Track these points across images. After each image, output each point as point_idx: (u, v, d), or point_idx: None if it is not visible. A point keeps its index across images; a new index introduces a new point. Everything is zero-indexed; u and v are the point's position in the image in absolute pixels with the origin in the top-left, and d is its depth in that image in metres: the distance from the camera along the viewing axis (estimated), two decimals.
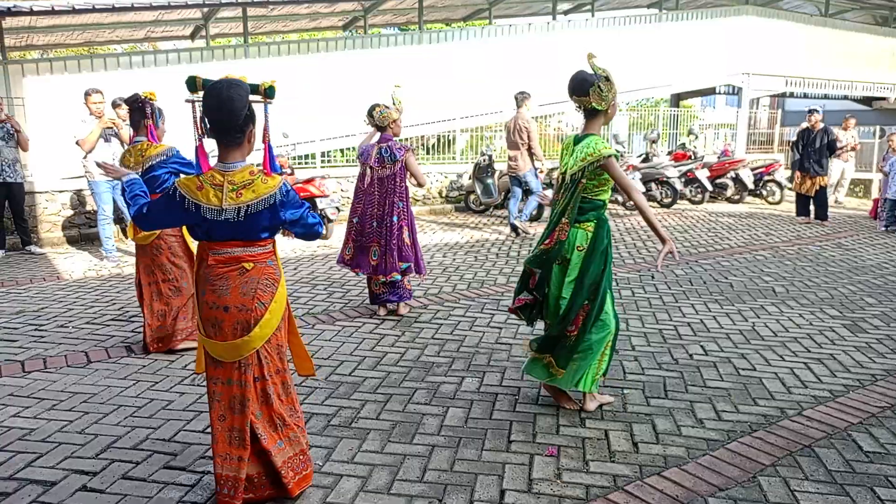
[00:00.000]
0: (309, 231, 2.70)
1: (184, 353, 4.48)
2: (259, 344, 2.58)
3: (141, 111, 4.50)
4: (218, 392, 2.62)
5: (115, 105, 7.34)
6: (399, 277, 5.14)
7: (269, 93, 2.64)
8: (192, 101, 2.67)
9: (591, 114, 3.46)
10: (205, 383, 3.94)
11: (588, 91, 3.37)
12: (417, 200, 12.31)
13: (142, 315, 4.67)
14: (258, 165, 2.66)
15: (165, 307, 4.48)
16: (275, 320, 2.62)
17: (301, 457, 2.74)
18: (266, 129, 2.72)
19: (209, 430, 3.29)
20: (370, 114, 5.21)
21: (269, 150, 2.75)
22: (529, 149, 8.99)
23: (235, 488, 2.58)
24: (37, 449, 3.12)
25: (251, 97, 2.56)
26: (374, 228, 5.17)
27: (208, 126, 2.56)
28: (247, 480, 2.62)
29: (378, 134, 5.26)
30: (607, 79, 3.39)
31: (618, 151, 13.05)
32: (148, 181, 4.22)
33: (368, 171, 5.20)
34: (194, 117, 2.64)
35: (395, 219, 5.13)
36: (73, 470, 2.93)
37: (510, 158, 9.15)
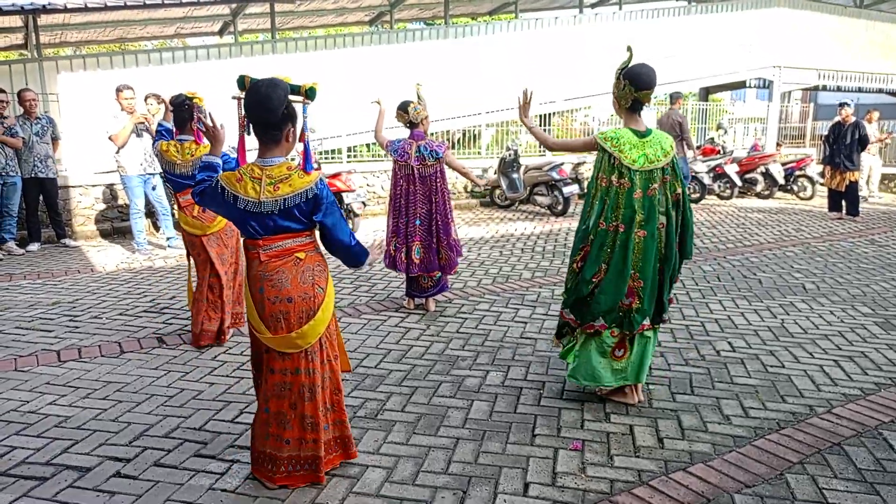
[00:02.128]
0: (343, 253, 2.77)
1: (210, 345, 4.56)
2: (323, 328, 2.72)
3: (186, 111, 4.52)
4: (288, 382, 2.72)
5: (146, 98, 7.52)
6: (440, 274, 5.31)
7: (309, 94, 2.70)
8: (238, 99, 2.76)
9: (642, 108, 3.47)
10: (234, 373, 4.03)
11: (655, 86, 3.41)
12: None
13: (212, 305, 4.57)
14: (297, 163, 2.73)
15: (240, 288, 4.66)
16: (331, 304, 2.76)
17: (339, 439, 2.89)
18: (304, 129, 2.78)
19: (238, 419, 3.37)
20: (405, 110, 5.20)
21: (305, 148, 2.79)
22: (682, 140, 10.39)
23: (315, 465, 2.75)
24: (72, 436, 3.21)
25: (292, 97, 2.63)
26: (416, 227, 5.17)
27: (249, 123, 2.65)
28: (327, 445, 2.80)
29: (408, 131, 5.26)
30: None
31: None
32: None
33: (407, 169, 5.17)
34: (239, 114, 2.72)
35: (447, 216, 5.22)
36: (107, 456, 3.01)
37: None
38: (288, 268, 2.65)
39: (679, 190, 3.43)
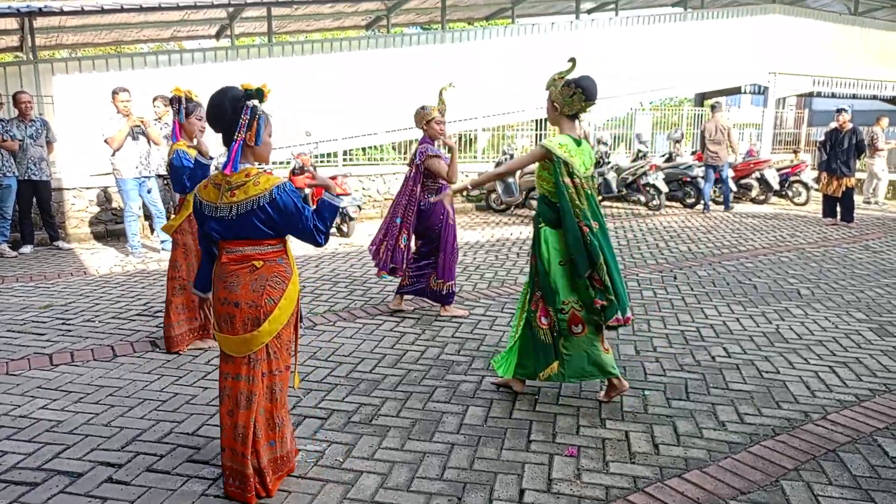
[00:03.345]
0: (307, 240, 2.74)
1: (207, 350, 4.54)
2: (267, 339, 2.67)
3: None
4: (228, 387, 2.70)
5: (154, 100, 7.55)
6: (386, 276, 5.35)
7: (251, 95, 2.65)
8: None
9: (575, 117, 3.62)
10: None
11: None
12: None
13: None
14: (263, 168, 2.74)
15: None
16: (284, 316, 2.70)
17: (285, 458, 2.81)
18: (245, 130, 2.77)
19: None
20: (415, 115, 5.24)
21: (237, 149, 2.66)
22: (729, 145, 11.57)
23: (244, 483, 2.66)
24: (64, 440, 3.18)
25: (250, 102, 2.61)
26: (396, 224, 5.27)
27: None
28: (257, 469, 2.69)
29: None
30: None
31: (640, 151, 13.10)
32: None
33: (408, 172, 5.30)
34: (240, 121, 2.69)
35: (398, 220, 5.20)
36: (99, 462, 2.98)
37: (712, 151, 11.58)
38: (242, 273, 2.67)
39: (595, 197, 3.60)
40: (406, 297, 5.54)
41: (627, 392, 3.76)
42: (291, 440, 2.89)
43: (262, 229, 2.64)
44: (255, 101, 2.62)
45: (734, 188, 12.53)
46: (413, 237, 5.28)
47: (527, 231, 9.62)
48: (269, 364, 2.71)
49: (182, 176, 4.40)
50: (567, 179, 3.46)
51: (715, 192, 12.37)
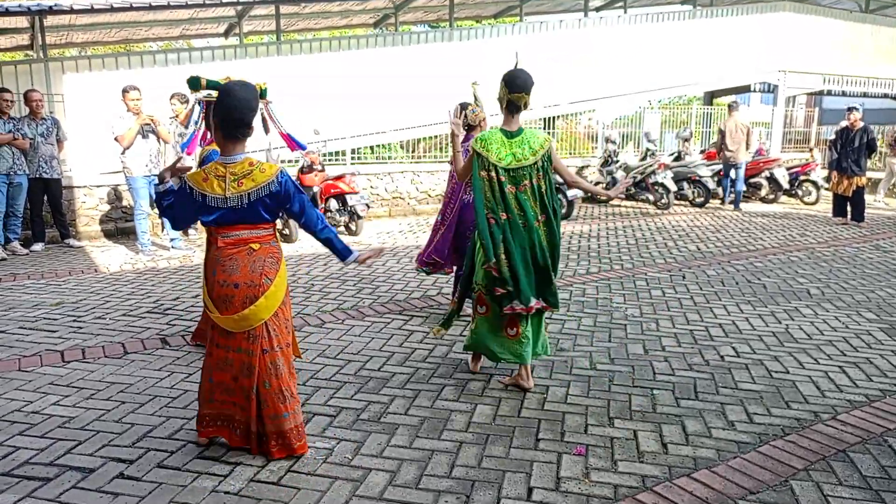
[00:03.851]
0: (309, 226, 3.02)
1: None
2: (266, 315, 2.87)
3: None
4: (230, 359, 2.91)
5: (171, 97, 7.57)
6: (423, 270, 5.34)
7: (262, 94, 2.95)
8: (206, 100, 3.06)
9: (518, 110, 3.73)
10: None
11: (530, 89, 3.70)
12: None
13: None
14: (257, 157, 2.99)
15: None
16: (280, 293, 2.91)
17: (300, 428, 3.02)
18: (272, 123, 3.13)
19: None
20: (465, 113, 5.04)
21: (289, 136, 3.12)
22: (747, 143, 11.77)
23: (246, 435, 2.94)
24: (76, 436, 3.21)
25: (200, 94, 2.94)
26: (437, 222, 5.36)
27: (220, 122, 2.84)
28: (259, 436, 2.94)
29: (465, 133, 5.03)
30: None
31: (649, 150, 13.07)
32: None
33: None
34: (206, 113, 3.00)
35: (438, 217, 5.34)
36: (110, 458, 3.01)
37: (729, 150, 11.70)
38: (241, 256, 2.85)
39: (544, 188, 3.67)
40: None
41: (635, 391, 3.76)
42: (300, 414, 3.06)
43: (263, 214, 2.86)
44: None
45: (743, 187, 12.49)
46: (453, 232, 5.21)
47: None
48: (270, 341, 2.90)
49: None
50: (482, 173, 3.66)
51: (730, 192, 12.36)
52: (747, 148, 11.85)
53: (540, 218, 3.67)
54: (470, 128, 5.08)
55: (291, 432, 2.94)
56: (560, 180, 10.44)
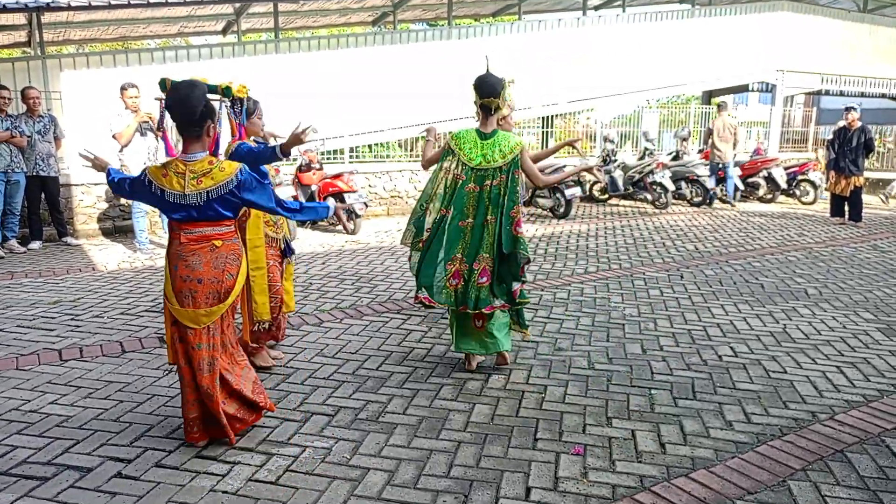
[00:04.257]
0: (293, 213, 3.16)
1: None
2: (225, 310, 3.02)
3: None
4: (190, 355, 2.99)
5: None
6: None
7: (225, 92, 3.06)
8: (160, 100, 3.14)
9: (491, 112, 3.88)
10: None
11: (498, 93, 3.83)
12: None
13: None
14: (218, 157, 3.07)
15: None
16: (239, 288, 3.05)
17: (258, 382, 3.21)
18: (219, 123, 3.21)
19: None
20: None
21: (216, 140, 3.10)
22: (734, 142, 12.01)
23: (220, 426, 3.03)
24: (73, 435, 3.21)
25: (211, 96, 2.93)
26: None
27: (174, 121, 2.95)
28: (230, 417, 3.06)
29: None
30: (503, 82, 3.90)
31: (647, 149, 13.08)
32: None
33: None
34: (161, 113, 3.10)
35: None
36: (108, 457, 3.00)
37: (718, 149, 11.96)
38: (203, 252, 2.94)
39: (502, 191, 3.78)
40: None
41: (633, 391, 3.77)
42: (255, 388, 3.19)
43: (223, 212, 2.93)
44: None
45: (741, 186, 12.50)
46: None
47: (532, 229, 9.61)
48: (222, 327, 3.05)
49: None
50: (446, 164, 3.89)
51: (722, 189, 12.37)
52: (734, 147, 12.08)
53: (489, 218, 3.80)
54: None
55: (254, 392, 3.14)
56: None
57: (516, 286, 3.86)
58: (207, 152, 2.95)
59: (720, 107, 12.43)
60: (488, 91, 3.81)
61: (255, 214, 3.90)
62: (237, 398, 3.11)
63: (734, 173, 12.29)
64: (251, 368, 3.24)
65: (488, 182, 3.79)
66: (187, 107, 2.84)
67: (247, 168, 2.95)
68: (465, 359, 4.13)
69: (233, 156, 3.85)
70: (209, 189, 2.86)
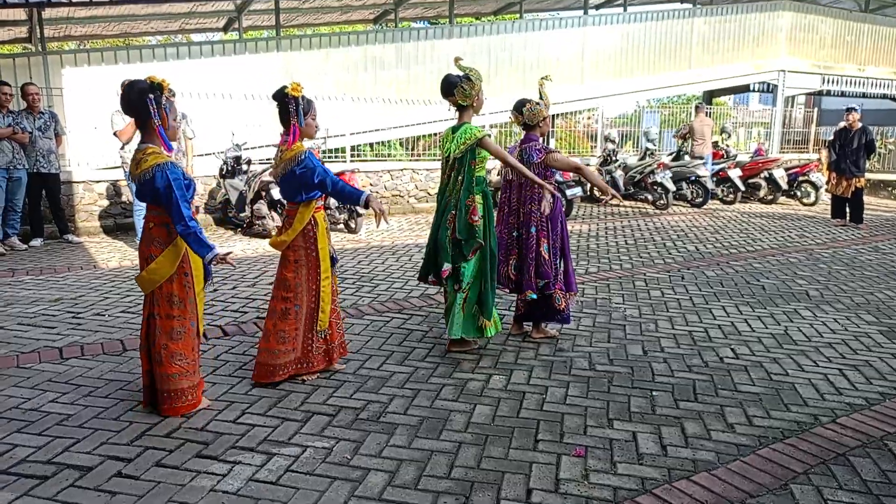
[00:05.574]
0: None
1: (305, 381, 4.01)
2: (148, 287, 3.32)
3: (285, 108, 3.75)
4: (146, 322, 3.41)
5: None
6: (535, 296, 4.57)
7: (152, 87, 3.22)
8: (150, 97, 3.31)
9: (460, 108, 4.24)
10: (238, 372, 4.02)
11: (453, 91, 4.18)
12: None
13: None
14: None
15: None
16: (162, 271, 3.29)
17: (194, 391, 3.44)
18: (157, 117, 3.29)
19: (240, 420, 3.36)
20: (519, 110, 4.63)
21: (160, 134, 3.29)
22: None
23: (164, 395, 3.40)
24: (74, 434, 3.20)
25: (154, 94, 3.20)
26: (513, 239, 4.66)
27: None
28: (154, 392, 3.42)
29: (524, 133, 4.70)
30: (468, 78, 4.16)
31: (648, 149, 13.06)
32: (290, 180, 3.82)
33: (509, 175, 4.68)
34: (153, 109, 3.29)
35: (532, 230, 4.55)
36: (108, 456, 3.00)
37: (697, 143, 12.72)
38: (145, 229, 3.37)
39: (461, 179, 4.17)
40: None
41: (635, 392, 3.76)
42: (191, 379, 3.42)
43: (154, 196, 3.24)
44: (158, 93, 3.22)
45: (712, 187, 12.45)
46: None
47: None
48: (152, 308, 3.34)
49: (325, 177, 3.74)
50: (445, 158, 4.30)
51: (722, 189, 12.48)
52: (711, 144, 13.03)
53: (456, 204, 4.21)
54: (527, 126, 4.65)
55: (183, 392, 3.38)
56: (560, 179, 10.47)
57: (447, 267, 4.23)
58: (149, 143, 3.29)
59: (698, 108, 13.45)
60: (444, 90, 4.23)
61: (322, 224, 3.96)
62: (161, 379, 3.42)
63: (711, 169, 12.80)
64: (191, 377, 3.45)
65: (453, 173, 4.22)
66: (125, 103, 3.27)
67: (168, 168, 3.19)
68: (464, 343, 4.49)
69: (299, 166, 3.69)
70: (138, 174, 3.25)
